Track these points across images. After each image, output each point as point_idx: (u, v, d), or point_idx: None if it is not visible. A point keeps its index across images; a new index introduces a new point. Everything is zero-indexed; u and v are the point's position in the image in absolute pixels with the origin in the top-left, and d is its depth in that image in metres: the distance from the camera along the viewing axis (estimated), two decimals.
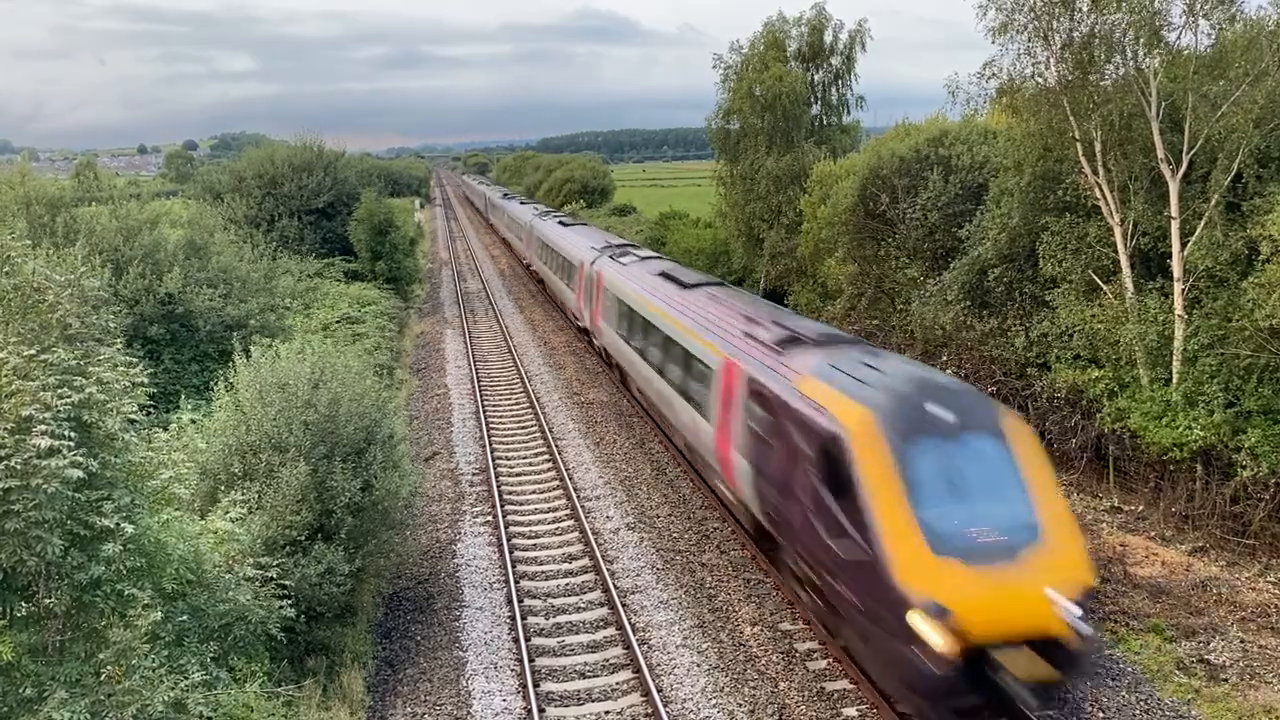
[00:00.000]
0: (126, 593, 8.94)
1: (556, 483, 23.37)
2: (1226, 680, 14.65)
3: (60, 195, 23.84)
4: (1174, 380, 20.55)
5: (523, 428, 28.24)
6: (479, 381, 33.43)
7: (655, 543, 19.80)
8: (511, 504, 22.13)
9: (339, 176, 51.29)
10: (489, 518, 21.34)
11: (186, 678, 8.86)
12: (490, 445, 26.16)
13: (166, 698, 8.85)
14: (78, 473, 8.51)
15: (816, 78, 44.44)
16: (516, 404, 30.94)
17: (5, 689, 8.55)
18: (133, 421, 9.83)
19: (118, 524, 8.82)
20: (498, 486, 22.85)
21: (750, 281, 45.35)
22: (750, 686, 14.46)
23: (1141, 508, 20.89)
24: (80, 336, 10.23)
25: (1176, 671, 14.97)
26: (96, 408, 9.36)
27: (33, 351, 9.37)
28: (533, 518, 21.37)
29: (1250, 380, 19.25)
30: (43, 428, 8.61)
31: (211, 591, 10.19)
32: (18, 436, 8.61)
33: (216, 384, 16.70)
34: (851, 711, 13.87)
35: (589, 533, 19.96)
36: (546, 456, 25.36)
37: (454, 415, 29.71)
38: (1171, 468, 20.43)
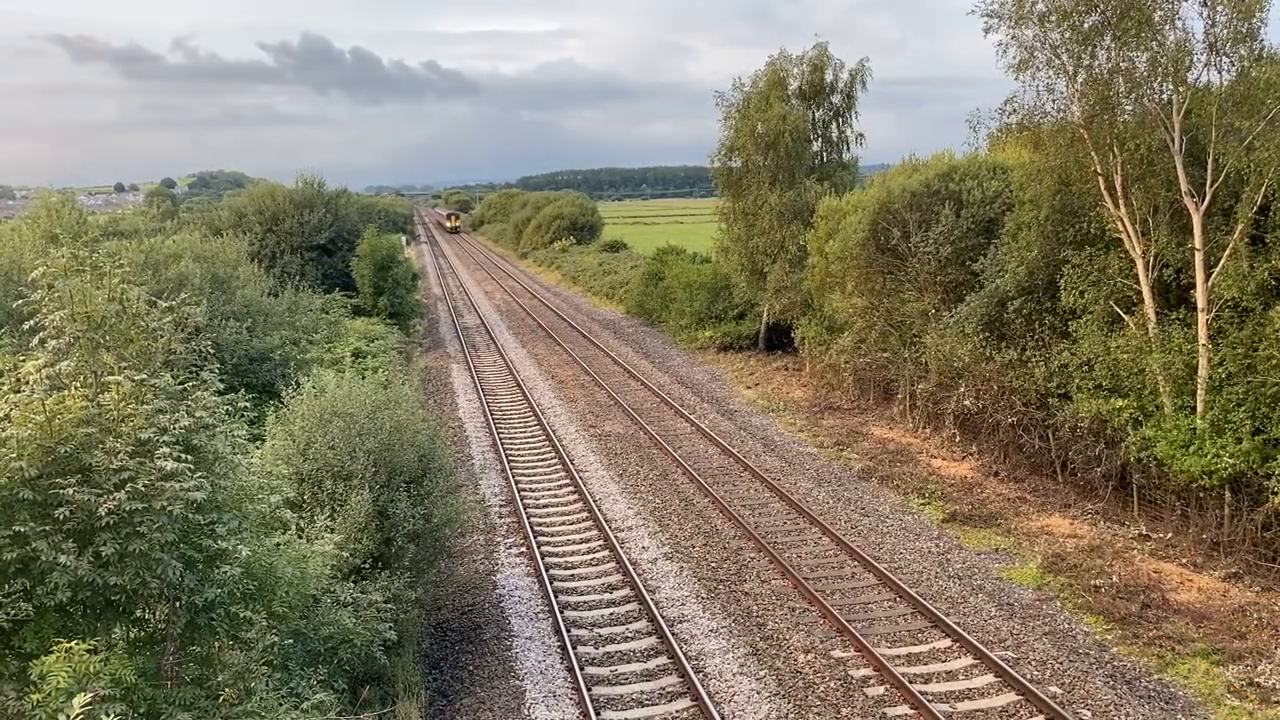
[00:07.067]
0: (241, 615, 8.95)
1: (585, 513, 23.40)
2: None
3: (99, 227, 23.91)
4: (1199, 409, 20.89)
5: (541, 459, 28.27)
6: (491, 414, 33.45)
7: (695, 572, 19.86)
8: (543, 535, 22.14)
9: (340, 214, 51.49)
10: (523, 548, 21.34)
11: (304, 701, 8.85)
12: (513, 477, 26.17)
13: None
14: (202, 495, 8.56)
15: (817, 115, 45.03)
16: (532, 436, 30.98)
17: (124, 713, 8.51)
18: (237, 445, 9.88)
19: (234, 546, 8.86)
20: (527, 517, 22.85)
21: (754, 314, 45.74)
22: (814, 713, 14.50)
23: (1170, 535, 21.14)
24: (180, 362, 10.32)
25: (1228, 695, 15.14)
26: (205, 430, 9.44)
27: (142, 376, 9.44)
28: (566, 549, 21.38)
29: (1278, 408, 19.61)
30: (165, 450, 8.67)
31: (317, 614, 10.19)
32: (139, 459, 8.66)
33: (265, 415, 16.72)
34: None
35: (626, 563, 20.00)
36: (570, 487, 25.39)
37: (472, 448, 29.71)
38: (1199, 495, 20.75)
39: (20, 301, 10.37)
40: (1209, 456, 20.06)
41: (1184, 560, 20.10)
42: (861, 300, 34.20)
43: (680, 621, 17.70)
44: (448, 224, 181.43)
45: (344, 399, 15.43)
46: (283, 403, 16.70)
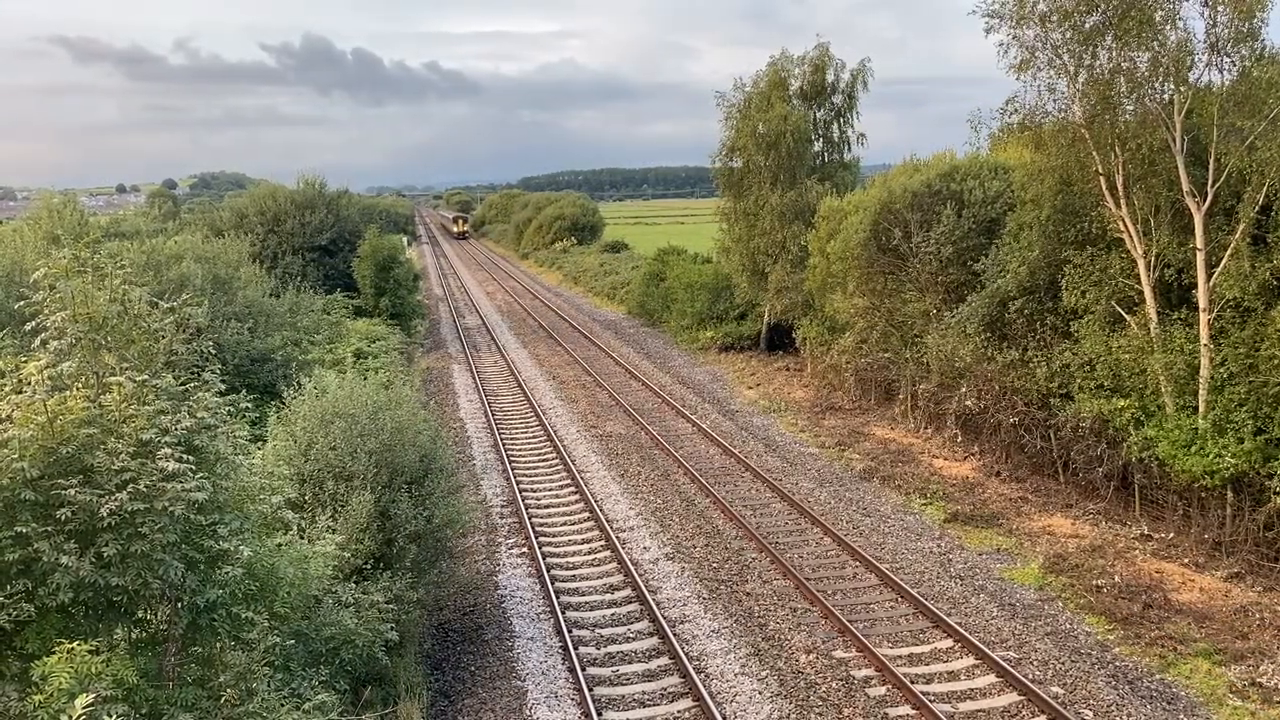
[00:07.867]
0: (243, 616, 8.95)
1: (586, 513, 23.40)
2: None
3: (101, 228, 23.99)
4: (1201, 409, 20.88)
5: (543, 460, 28.27)
6: (492, 415, 33.46)
7: (696, 573, 19.85)
8: (544, 535, 22.13)
9: (341, 214, 51.52)
10: (524, 549, 21.34)
11: (306, 702, 8.85)
12: (515, 478, 26.17)
13: None
14: (203, 495, 8.56)
15: (818, 115, 44.99)
16: (534, 437, 30.98)
17: (126, 713, 8.51)
18: (238, 446, 9.89)
19: (236, 547, 8.86)
20: (528, 518, 22.85)
21: (755, 315, 45.72)
22: (816, 713, 14.50)
23: (1172, 535, 21.12)
24: (181, 363, 10.32)
25: (1230, 695, 15.12)
26: (206, 431, 9.44)
27: (144, 377, 9.44)
28: (567, 549, 21.38)
29: None
30: (166, 450, 8.67)
31: (318, 615, 10.20)
32: (140, 460, 8.66)
33: (266, 415, 16.74)
34: None
35: (628, 563, 19.99)
36: (572, 487, 25.39)
37: (474, 449, 29.72)
38: (1201, 495, 20.73)
39: (22, 302, 10.37)
40: (1211, 456, 20.05)
41: (1186, 560, 20.09)
42: (863, 300, 34.18)
43: (682, 622, 17.70)
44: (454, 228, 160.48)
45: (345, 400, 15.45)
46: (284, 403, 16.72)
